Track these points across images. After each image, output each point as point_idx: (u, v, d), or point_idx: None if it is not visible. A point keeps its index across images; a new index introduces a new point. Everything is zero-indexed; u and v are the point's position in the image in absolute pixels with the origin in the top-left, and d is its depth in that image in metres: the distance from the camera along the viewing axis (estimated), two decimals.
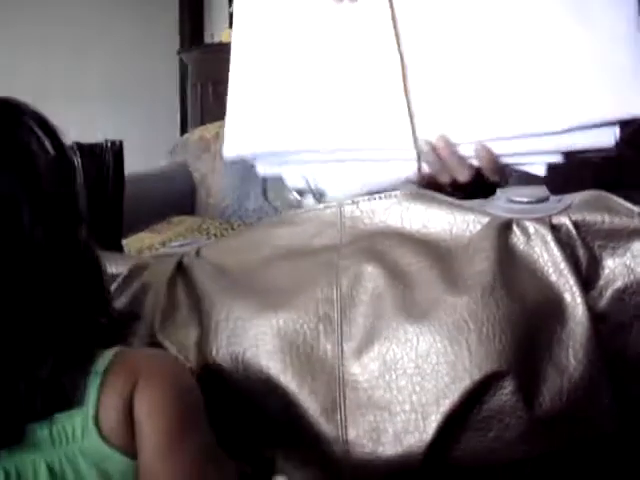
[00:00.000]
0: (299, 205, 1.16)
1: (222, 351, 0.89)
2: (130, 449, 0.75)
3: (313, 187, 1.14)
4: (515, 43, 1.07)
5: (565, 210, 0.91)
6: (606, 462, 0.91)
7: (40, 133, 0.77)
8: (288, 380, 0.86)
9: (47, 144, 0.77)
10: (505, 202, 0.95)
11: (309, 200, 1.15)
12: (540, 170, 1.07)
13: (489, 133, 1.06)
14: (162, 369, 0.79)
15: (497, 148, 1.06)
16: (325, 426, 0.85)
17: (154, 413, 0.75)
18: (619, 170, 1.57)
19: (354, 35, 1.13)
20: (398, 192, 0.97)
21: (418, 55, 1.11)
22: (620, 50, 1.03)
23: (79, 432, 0.74)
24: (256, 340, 0.88)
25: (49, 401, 0.73)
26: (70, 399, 0.74)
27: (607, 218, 0.89)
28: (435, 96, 1.09)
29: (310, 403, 0.85)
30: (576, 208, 0.91)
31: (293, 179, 1.17)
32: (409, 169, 1.08)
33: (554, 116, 1.03)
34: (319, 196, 1.14)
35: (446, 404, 0.81)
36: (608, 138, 1.02)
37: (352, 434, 0.84)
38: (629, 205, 0.91)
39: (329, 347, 0.86)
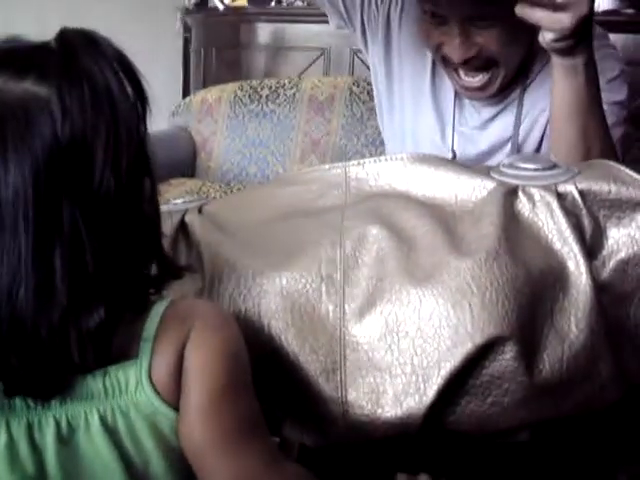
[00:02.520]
0: None
1: (222, 308, 0.89)
2: (180, 402, 0.74)
3: None
4: None
5: (572, 178, 0.91)
6: (605, 431, 0.91)
7: (121, 74, 0.72)
8: (289, 339, 0.86)
9: (127, 86, 0.73)
10: (511, 169, 0.94)
11: None
12: None
13: None
14: (216, 325, 0.77)
15: None
16: (325, 386, 0.85)
17: (203, 370, 0.74)
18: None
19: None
20: (405, 155, 0.97)
21: None
22: None
23: (132, 385, 0.73)
24: (259, 298, 0.87)
25: (101, 353, 0.71)
26: (124, 351, 0.74)
27: (614, 188, 0.89)
28: None
29: (311, 363, 0.85)
30: (583, 177, 0.91)
31: None
32: None
33: None
34: None
35: (447, 367, 0.81)
36: None
37: (352, 395, 0.84)
38: (637, 176, 0.90)
39: (331, 307, 0.86)
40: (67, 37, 0.72)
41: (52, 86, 0.68)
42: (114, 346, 0.72)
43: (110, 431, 0.73)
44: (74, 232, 0.69)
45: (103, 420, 0.73)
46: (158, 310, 0.76)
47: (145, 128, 0.75)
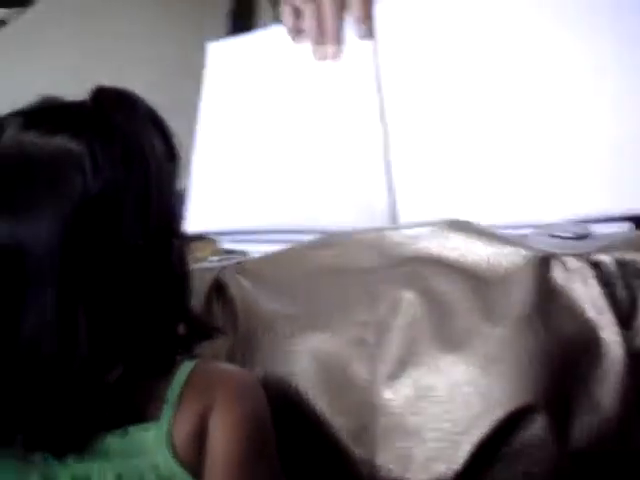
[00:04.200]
0: None
1: (254, 366, 0.89)
2: (198, 468, 0.73)
3: None
4: (524, 118, 1.00)
5: (606, 248, 0.91)
6: None
7: (154, 133, 0.74)
8: (319, 400, 0.86)
9: (159, 145, 0.74)
10: (545, 236, 0.94)
11: None
12: None
13: (482, 220, 0.97)
14: (243, 391, 0.77)
15: None
16: (354, 449, 0.84)
17: (227, 441, 0.73)
18: None
19: (333, 102, 1.08)
20: (440, 220, 0.97)
21: (405, 128, 1.05)
22: None
23: (152, 446, 0.72)
24: (290, 358, 0.88)
25: (121, 411, 0.71)
26: (145, 412, 0.73)
27: None
28: (422, 176, 1.04)
29: (340, 425, 0.85)
30: (618, 247, 0.91)
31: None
32: None
33: (556, 207, 0.98)
34: None
35: (477, 434, 0.80)
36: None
37: (380, 459, 0.84)
38: None
39: (362, 370, 0.86)
40: (102, 95, 0.74)
41: (85, 143, 0.69)
42: (135, 405, 0.72)
43: None
44: (99, 287, 0.69)
45: None
46: (184, 372, 0.75)
47: (176, 186, 0.77)
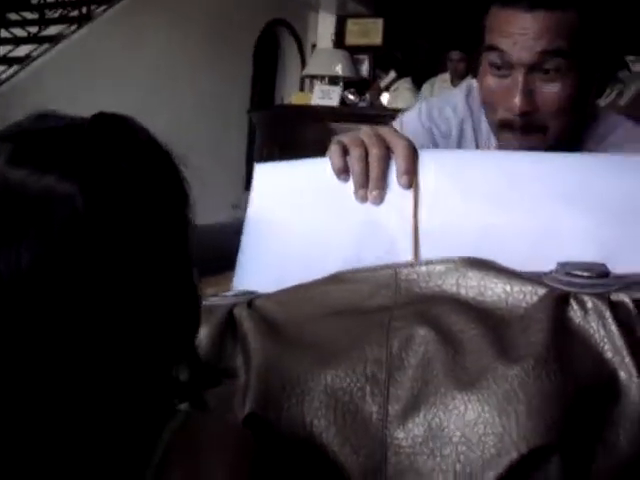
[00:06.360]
0: None
1: (266, 404, 0.88)
2: None
3: None
4: None
5: (625, 288, 0.90)
6: None
7: (156, 166, 0.69)
8: (331, 438, 0.85)
9: (160, 179, 0.69)
10: (564, 275, 0.93)
11: None
12: None
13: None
14: (232, 457, 0.71)
15: None
16: None
17: None
18: None
19: (368, 246, 1.10)
20: (456, 257, 0.97)
21: None
22: None
23: None
24: (302, 395, 0.87)
25: (101, 467, 0.65)
26: (130, 470, 0.66)
27: None
28: None
29: (351, 464, 0.84)
30: (637, 286, 0.90)
31: None
32: None
33: None
34: None
35: (491, 476, 0.78)
36: None
37: None
38: None
39: (374, 408, 0.85)
40: (101, 124, 0.69)
41: (77, 182, 0.64)
42: (122, 460, 0.66)
43: None
44: (92, 330, 0.64)
45: None
46: (170, 429, 0.69)
47: (182, 223, 0.72)
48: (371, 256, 1.04)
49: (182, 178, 0.72)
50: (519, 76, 1.26)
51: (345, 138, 1.15)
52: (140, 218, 0.66)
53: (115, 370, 0.65)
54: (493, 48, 1.29)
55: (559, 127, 1.30)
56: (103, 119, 0.70)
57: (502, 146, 1.36)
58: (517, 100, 1.26)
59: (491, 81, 1.32)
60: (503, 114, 1.31)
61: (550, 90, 1.26)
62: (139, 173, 0.67)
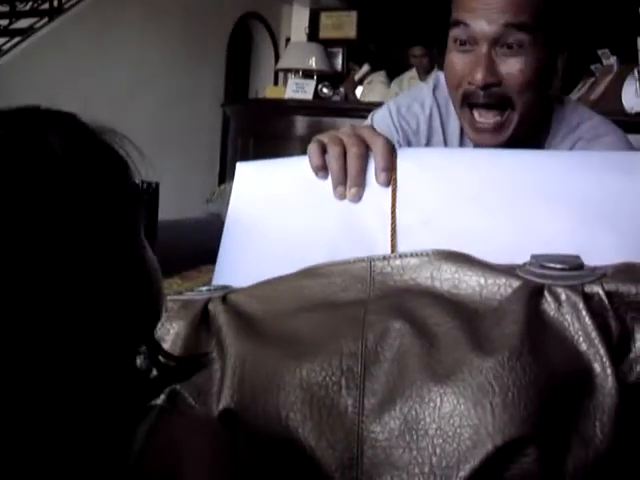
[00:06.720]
0: None
1: (242, 398, 0.88)
2: None
3: None
4: None
5: (599, 279, 0.90)
6: None
7: (99, 158, 0.66)
8: (307, 432, 0.84)
9: (103, 170, 0.66)
10: (538, 267, 0.94)
11: None
12: None
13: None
14: (209, 456, 0.69)
15: None
16: None
17: None
18: None
19: (346, 242, 1.12)
20: (430, 251, 0.97)
21: None
22: None
23: None
24: (278, 389, 0.87)
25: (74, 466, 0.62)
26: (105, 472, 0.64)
27: None
28: None
29: (327, 458, 0.83)
30: (610, 278, 0.90)
31: None
32: None
33: None
34: None
35: (467, 469, 0.79)
36: None
37: None
38: None
39: (350, 402, 0.85)
40: (38, 118, 0.66)
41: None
42: (97, 462, 0.63)
43: None
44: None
45: None
46: (143, 429, 0.66)
47: (133, 225, 0.69)
48: (350, 253, 1.03)
49: (115, 152, 0.69)
50: (482, 49, 1.29)
51: (324, 137, 1.17)
52: (80, 205, 0.63)
53: (74, 361, 0.63)
54: (458, 23, 1.32)
55: (524, 103, 1.32)
56: (40, 114, 0.67)
57: (468, 129, 1.39)
58: (480, 72, 1.29)
59: (455, 57, 1.34)
60: (467, 87, 1.33)
61: (513, 64, 1.29)
62: (80, 173, 0.64)
